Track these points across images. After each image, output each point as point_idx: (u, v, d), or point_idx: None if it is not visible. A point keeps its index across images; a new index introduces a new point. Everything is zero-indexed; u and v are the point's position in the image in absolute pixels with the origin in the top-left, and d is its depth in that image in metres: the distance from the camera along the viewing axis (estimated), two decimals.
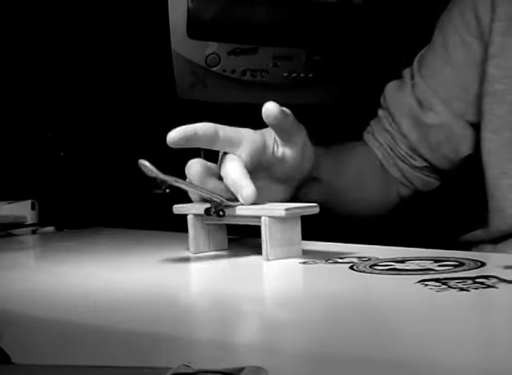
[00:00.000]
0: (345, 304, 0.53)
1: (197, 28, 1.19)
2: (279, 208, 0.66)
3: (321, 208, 0.68)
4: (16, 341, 0.44)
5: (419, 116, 0.98)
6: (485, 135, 0.92)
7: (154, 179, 0.66)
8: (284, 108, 0.74)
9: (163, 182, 0.66)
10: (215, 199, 0.69)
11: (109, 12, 1.24)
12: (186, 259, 0.73)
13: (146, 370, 0.35)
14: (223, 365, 0.33)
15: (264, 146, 0.75)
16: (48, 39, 1.21)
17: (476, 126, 0.95)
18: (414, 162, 1.01)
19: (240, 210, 0.71)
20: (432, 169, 1.01)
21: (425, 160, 1.00)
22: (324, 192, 0.91)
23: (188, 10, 1.18)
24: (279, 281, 0.63)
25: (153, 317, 0.49)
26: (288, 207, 0.66)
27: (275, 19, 1.25)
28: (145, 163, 0.66)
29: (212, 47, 1.21)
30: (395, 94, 1.02)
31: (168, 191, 0.67)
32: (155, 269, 0.70)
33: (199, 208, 0.74)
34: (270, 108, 0.72)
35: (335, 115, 1.34)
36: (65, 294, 0.60)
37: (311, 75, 1.28)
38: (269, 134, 0.76)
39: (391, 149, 1.02)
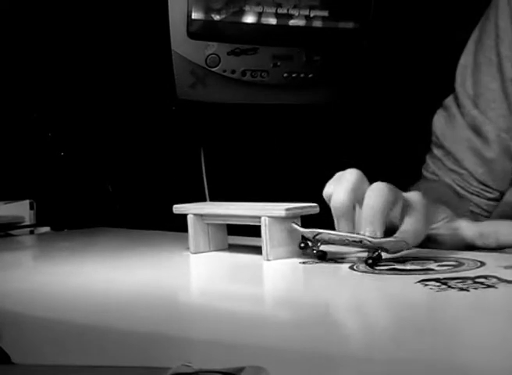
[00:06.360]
0: (345, 304, 0.53)
1: (197, 28, 1.19)
2: (279, 208, 0.66)
3: None
4: (16, 341, 0.44)
5: (480, 149, 0.94)
6: None
7: (305, 240, 0.66)
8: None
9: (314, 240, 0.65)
10: (366, 242, 0.63)
11: (109, 13, 1.24)
12: (186, 259, 0.73)
13: (146, 370, 0.35)
14: (223, 365, 0.33)
15: None
16: (48, 39, 1.21)
17: None
18: (488, 195, 0.96)
19: (240, 210, 0.71)
20: None
21: (497, 191, 0.95)
22: None
23: (188, 10, 1.18)
24: (279, 281, 0.63)
25: (153, 317, 0.49)
26: (288, 207, 0.66)
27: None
28: (294, 225, 0.67)
29: (212, 47, 1.21)
30: (448, 130, 0.97)
31: (317, 248, 0.66)
32: (155, 269, 0.70)
33: (199, 208, 0.74)
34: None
35: (335, 115, 1.34)
36: (65, 294, 0.60)
37: (311, 75, 1.28)
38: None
39: (461, 187, 0.97)
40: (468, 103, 0.95)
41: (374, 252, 0.62)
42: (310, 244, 0.66)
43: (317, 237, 0.65)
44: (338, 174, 0.70)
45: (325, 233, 0.65)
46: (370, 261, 0.61)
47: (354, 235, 0.63)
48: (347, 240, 0.64)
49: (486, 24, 0.96)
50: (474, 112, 0.94)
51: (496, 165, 0.94)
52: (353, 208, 0.67)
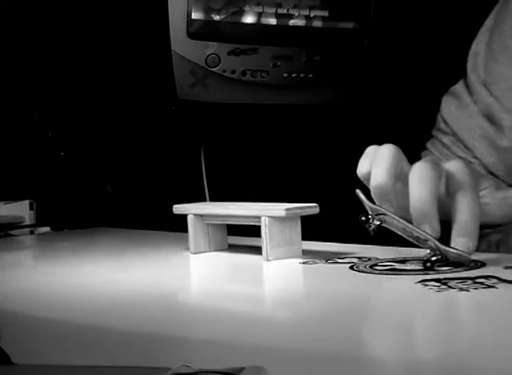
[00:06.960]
0: (345, 304, 0.53)
1: (197, 28, 1.19)
2: (279, 208, 0.66)
3: None
4: (16, 341, 0.44)
5: (493, 138, 0.91)
6: None
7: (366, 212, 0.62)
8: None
9: (374, 215, 0.62)
10: (431, 244, 0.60)
11: (109, 13, 1.24)
12: (186, 259, 0.73)
13: (146, 370, 0.35)
14: (223, 365, 0.33)
15: None
16: (48, 39, 1.21)
17: None
18: None
19: (240, 210, 0.71)
20: None
21: (506, 182, 0.91)
22: None
23: (188, 10, 1.18)
24: (279, 281, 0.63)
25: (152, 317, 0.49)
26: (288, 207, 0.66)
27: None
28: (360, 194, 0.63)
29: (212, 47, 1.21)
30: (459, 118, 0.94)
31: (375, 225, 0.62)
32: (155, 269, 0.70)
33: (199, 208, 0.74)
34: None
35: (334, 115, 1.34)
36: (65, 294, 0.60)
37: (311, 75, 1.28)
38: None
39: None
40: (482, 90, 0.92)
41: (435, 255, 0.60)
42: (370, 219, 0.62)
43: (379, 216, 0.62)
44: (371, 149, 0.67)
45: (389, 216, 0.62)
46: (429, 264, 0.59)
47: (421, 231, 0.61)
48: (411, 233, 0.61)
49: (504, 12, 0.93)
50: (490, 99, 0.91)
51: (509, 154, 0.91)
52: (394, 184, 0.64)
